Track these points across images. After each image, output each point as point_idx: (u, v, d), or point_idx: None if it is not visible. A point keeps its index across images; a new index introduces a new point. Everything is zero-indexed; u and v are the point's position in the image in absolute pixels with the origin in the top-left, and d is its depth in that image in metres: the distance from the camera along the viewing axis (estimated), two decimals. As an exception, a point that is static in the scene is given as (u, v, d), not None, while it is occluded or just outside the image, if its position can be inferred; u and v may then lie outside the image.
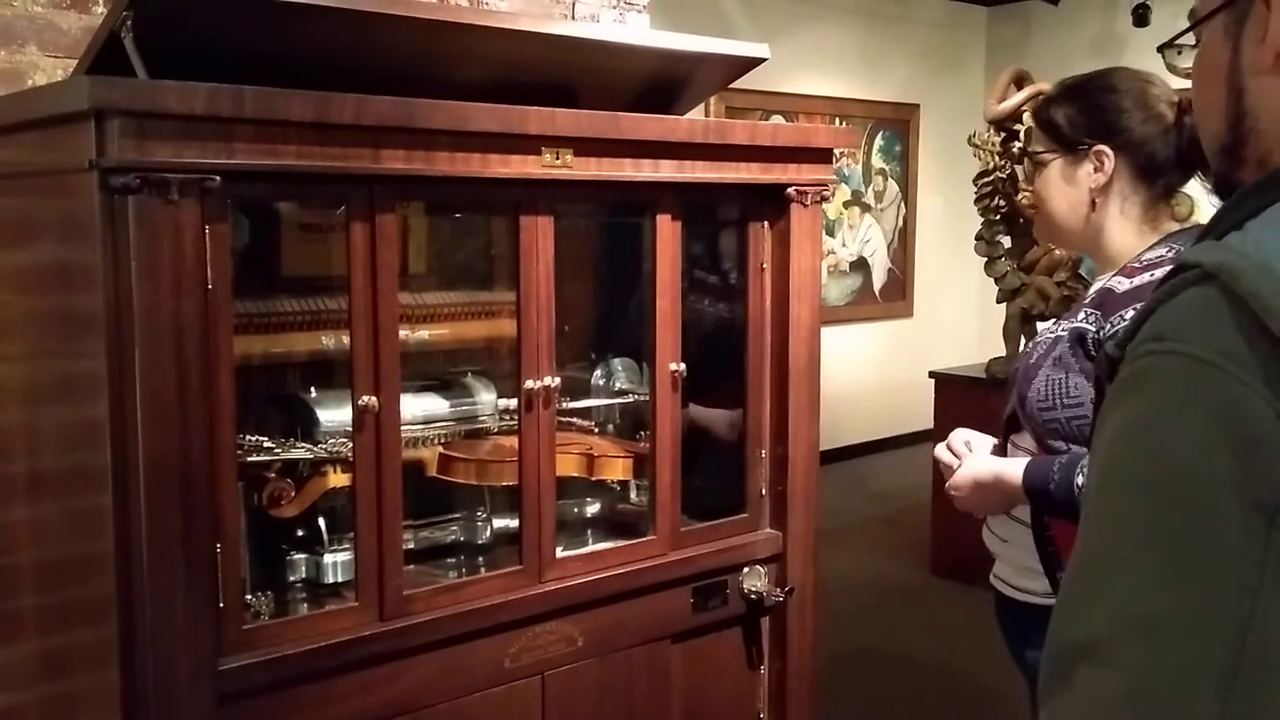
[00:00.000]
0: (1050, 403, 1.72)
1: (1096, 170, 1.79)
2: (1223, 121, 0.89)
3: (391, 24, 1.72)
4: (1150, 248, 1.77)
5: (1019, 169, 4.52)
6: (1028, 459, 1.76)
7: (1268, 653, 0.69)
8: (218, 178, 1.48)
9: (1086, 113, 1.80)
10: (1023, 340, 4.70)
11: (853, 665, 4.11)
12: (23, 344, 1.79)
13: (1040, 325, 2.10)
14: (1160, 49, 0.99)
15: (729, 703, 2.21)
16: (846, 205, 7.51)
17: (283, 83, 1.54)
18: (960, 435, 1.92)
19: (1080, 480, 1.59)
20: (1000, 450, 1.88)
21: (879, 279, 7.81)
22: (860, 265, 7.67)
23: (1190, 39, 0.94)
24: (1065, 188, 1.83)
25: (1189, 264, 0.77)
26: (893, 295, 7.91)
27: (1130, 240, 1.80)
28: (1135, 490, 0.74)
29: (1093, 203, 1.81)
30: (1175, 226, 1.83)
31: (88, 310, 1.49)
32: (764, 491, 2.20)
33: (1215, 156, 0.92)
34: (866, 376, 7.46)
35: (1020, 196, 4.36)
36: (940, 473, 1.94)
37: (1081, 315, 1.75)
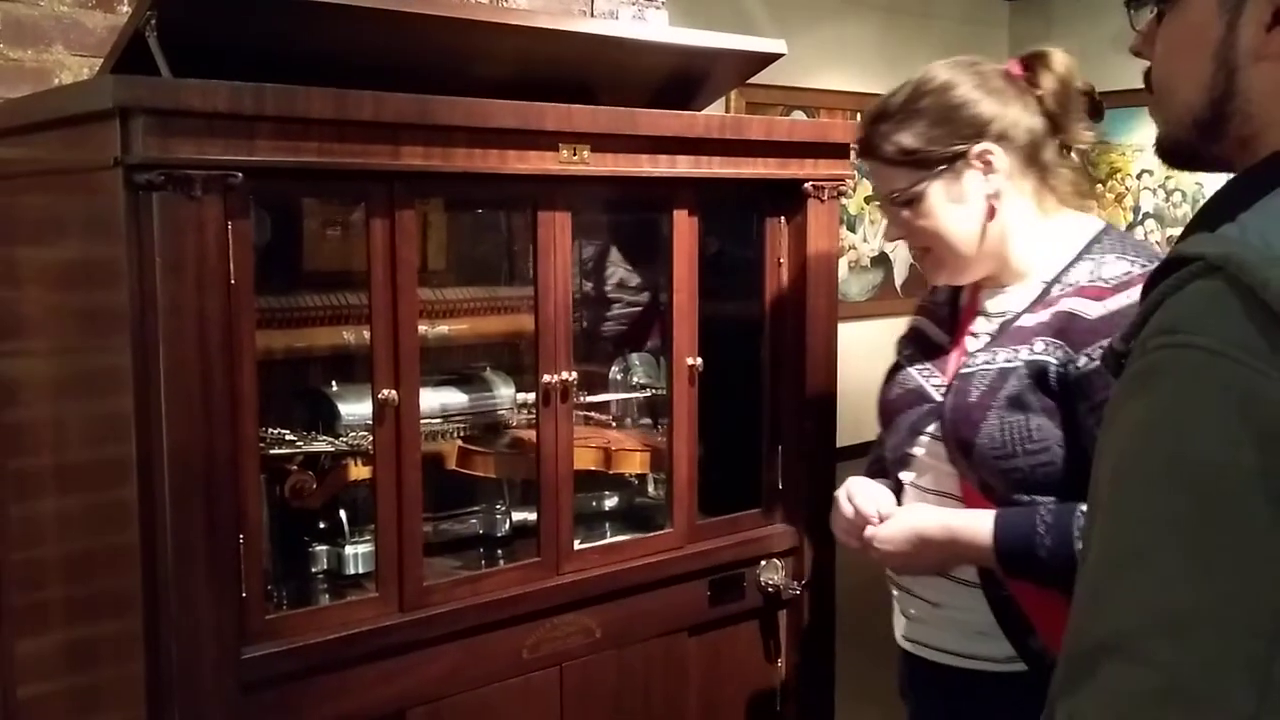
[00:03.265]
0: (1008, 450, 1.49)
1: (986, 171, 1.58)
2: (1203, 95, 0.86)
3: (411, 22, 1.73)
4: (1090, 261, 1.56)
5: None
6: (989, 513, 1.52)
7: None
8: (240, 174, 1.50)
9: (941, 121, 1.59)
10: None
11: (869, 659, 4.11)
12: (49, 340, 1.82)
13: (915, 368, 1.84)
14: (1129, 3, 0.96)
15: (746, 695, 2.22)
16: (868, 200, 7.49)
17: (303, 80, 1.55)
18: (861, 486, 1.72)
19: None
20: (895, 492, 1.71)
21: (900, 274, 7.79)
22: (881, 260, 7.66)
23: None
24: (955, 208, 1.60)
25: (1190, 256, 0.76)
26: (915, 290, 7.87)
27: (1034, 237, 1.61)
28: (1157, 485, 0.73)
29: (991, 210, 1.59)
30: (1061, 207, 1.63)
31: (112, 306, 1.51)
32: (781, 485, 2.21)
33: (1181, 126, 0.89)
34: (887, 372, 7.43)
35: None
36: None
37: (1040, 346, 1.51)
